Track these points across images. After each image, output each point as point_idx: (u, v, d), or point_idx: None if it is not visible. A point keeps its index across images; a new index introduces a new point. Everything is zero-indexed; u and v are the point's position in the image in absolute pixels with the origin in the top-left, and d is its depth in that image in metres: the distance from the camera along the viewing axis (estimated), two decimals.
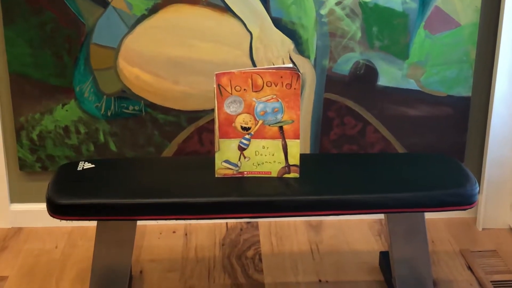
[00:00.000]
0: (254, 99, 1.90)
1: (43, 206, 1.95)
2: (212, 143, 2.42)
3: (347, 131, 2.50)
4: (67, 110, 2.42)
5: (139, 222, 2.18)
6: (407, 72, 2.44)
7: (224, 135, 1.92)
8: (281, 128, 1.92)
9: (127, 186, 1.94)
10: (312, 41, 2.39)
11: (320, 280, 2.25)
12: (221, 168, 1.95)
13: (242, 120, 1.91)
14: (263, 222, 2.59)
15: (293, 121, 1.91)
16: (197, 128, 2.47)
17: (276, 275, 2.28)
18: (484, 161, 2.52)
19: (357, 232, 2.54)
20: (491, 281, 2.23)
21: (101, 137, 2.46)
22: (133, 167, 2.10)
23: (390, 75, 2.44)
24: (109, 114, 2.43)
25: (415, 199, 1.92)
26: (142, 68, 2.39)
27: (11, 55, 2.35)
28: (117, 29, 2.34)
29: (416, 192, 1.92)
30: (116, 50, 2.36)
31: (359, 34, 2.38)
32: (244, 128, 1.92)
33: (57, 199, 1.87)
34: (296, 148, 1.93)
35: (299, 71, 1.89)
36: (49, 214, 1.89)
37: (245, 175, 1.96)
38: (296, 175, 1.95)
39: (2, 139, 2.46)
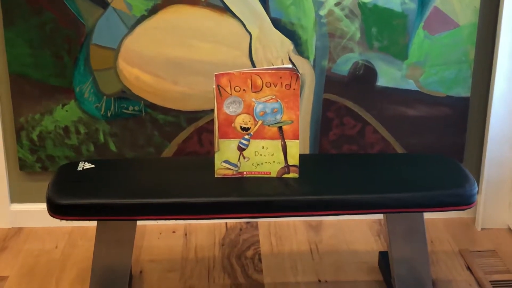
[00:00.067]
0: (253, 100, 1.90)
1: (43, 206, 1.95)
2: (211, 143, 2.43)
3: (346, 132, 2.50)
4: (67, 111, 2.42)
5: (139, 222, 2.18)
6: (406, 72, 2.44)
7: (224, 136, 1.92)
8: (280, 128, 1.92)
9: (127, 186, 1.95)
10: (311, 41, 2.39)
11: (319, 280, 2.26)
12: (221, 168, 1.95)
13: (242, 120, 1.91)
14: (262, 222, 2.59)
15: (292, 122, 1.91)
16: (197, 129, 2.47)
17: (276, 275, 2.29)
18: (483, 162, 2.52)
19: (357, 232, 2.54)
20: (490, 281, 2.23)
21: (101, 138, 2.46)
22: (133, 168, 2.10)
23: (389, 75, 2.44)
24: (109, 114, 2.43)
25: (414, 199, 1.92)
26: (142, 68, 2.39)
27: (11, 55, 2.35)
28: (117, 29, 2.34)
29: (415, 192, 1.92)
30: (116, 51, 2.37)
31: (358, 35, 2.39)
32: (243, 129, 1.92)
33: (57, 199, 1.87)
34: (296, 149, 1.93)
35: (299, 72, 1.89)
36: (49, 214, 1.89)
37: (244, 175, 1.96)
38: (296, 175, 1.95)
39: (2, 139, 2.46)
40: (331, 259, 2.37)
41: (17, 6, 2.30)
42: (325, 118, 2.48)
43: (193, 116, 2.45)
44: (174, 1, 2.32)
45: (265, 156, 1.94)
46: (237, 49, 2.39)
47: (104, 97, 2.42)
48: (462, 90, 2.46)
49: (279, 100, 1.89)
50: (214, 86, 1.88)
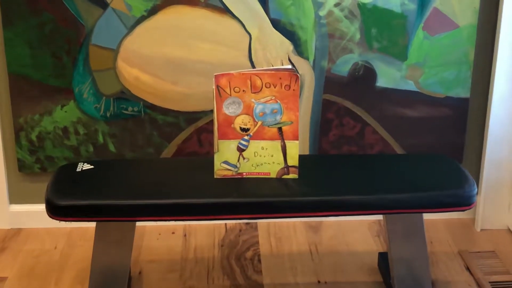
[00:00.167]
0: (253, 100, 1.90)
1: (42, 207, 1.94)
2: (211, 144, 2.43)
3: (346, 132, 2.50)
4: (66, 111, 2.42)
5: (138, 223, 2.18)
6: (405, 73, 2.44)
7: (223, 136, 1.92)
8: (280, 129, 1.92)
9: (126, 187, 1.95)
10: (311, 42, 2.39)
11: (319, 281, 2.26)
12: (220, 169, 1.95)
13: (241, 121, 1.91)
14: (262, 223, 2.60)
15: (292, 122, 1.91)
16: (196, 129, 2.47)
17: (275, 276, 2.29)
18: (483, 162, 2.52)
19: (356, 233, 2.54)
20: (489, 282, 2.24)
21: (100, 138, 2.46)
22: (132, 168, 2.10)
23: (388, 76, 2.44)
24: (108, 115, 2.44)
25: (414, 200, 1.92)
26: (141, 69, 2.39)
27: (10, 55, 2.35)
28: (116, 30, 2.34)
29: (415, 193, 1.92)
30: (115, 51, 2.37)
31: (358, 36, 2.39)
32: (243, 129, 1.92)
33: (56, 200, 1.86)
34: (295, 149, 1.93)
35: (298, 72, 1.90)
36: (48, 215, 1.89)
37: (244, 176, 1.96)
38: (295, 176, 1.95)
39: (1, 140, 2.46)
40: (331, 260, 2.37)
41: (17, 6, 2.30)
42: (325, 119, 2.48)
43: (192, 116, 2.45)
44: (173, 1, 2.32)
45: (264, 157, 1.94)
46: (236, 50, 2.39)
47: (104, 98, 2.42)
48: (462, 91, 2.47)
49: (278, 101, 1.89)
50: (214, 87, 1.88)
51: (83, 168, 2.01)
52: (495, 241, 2.49)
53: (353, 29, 2.38)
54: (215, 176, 1.95)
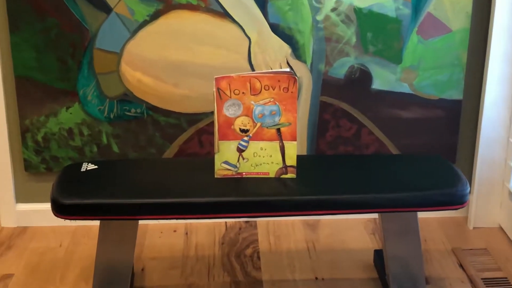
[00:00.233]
0: (252, 102, 1.91)
1: (47, 206, 1.94)
2: (211, 144, 2.43)
3: (342, 133, 2.51)
4: (71, 113, 2.43)
5: (140, 222, 2.14)
6: (400, 76, 2.44)
7: (224, 137, 1.93)
8: (278, 130, 1.93)
9: (129, 187, 1.95)
10: (309, 46, 2.40)
11: (316, 278, 2.26)
12: (221, 169, 1.96)
13: (241, 122, 1.92)
14: (261, 221, 2.59)
15: (290, 124, 1.92)
16: (197, 130, 2.47)
17: (274, 272, 2.29)
18: (475, 162, 2.51)
19: (352, 231, 2.54)
20: (481, 278, 2.24)
21: (104, 139, 2.47)
22: (135, 168, 2.10)
23: (384, 79, 2.44)
24: (111, 116, 2.44)
25: (408, 199, 1.92)
26: (144, 72, 2.40)
27: (17, 59, 2.36)
28: (120, 34, 2.34)
29: (409, 192, 1.93)
30: (119, 55, 2.37)
31: (354, 39, 2.39)
32: (242, 130, 1.93)
33: (61, 199, 1.87)
34: (293, 150, 1.94)
35: (296, 75, 1.89)
36: (54, 214, 1.88)
37: (243, 176, 1.97)
38: (293, 175, 1.96)
39: (8, 141, 2.47)
40: (328, 257, 2.37)
41: (23, 12, 2.30)
42: (322, 120, 2.48)
43: (193, 118, 2.46)
44: (175, 6, 2.32)
45: (263, 157, 1.95)
46: (236, 53, 2.39)
47: (107, 100, 2.42)
48: (455, 93, 2.47)
49: (277, 103, 1.90)
50: (214, 89, 1.89)
51: (88, 168, 2.02)
52: (487, 238, 2.49)
53: (349, 33, 2.39)
54: (215, 176, 1.96)
